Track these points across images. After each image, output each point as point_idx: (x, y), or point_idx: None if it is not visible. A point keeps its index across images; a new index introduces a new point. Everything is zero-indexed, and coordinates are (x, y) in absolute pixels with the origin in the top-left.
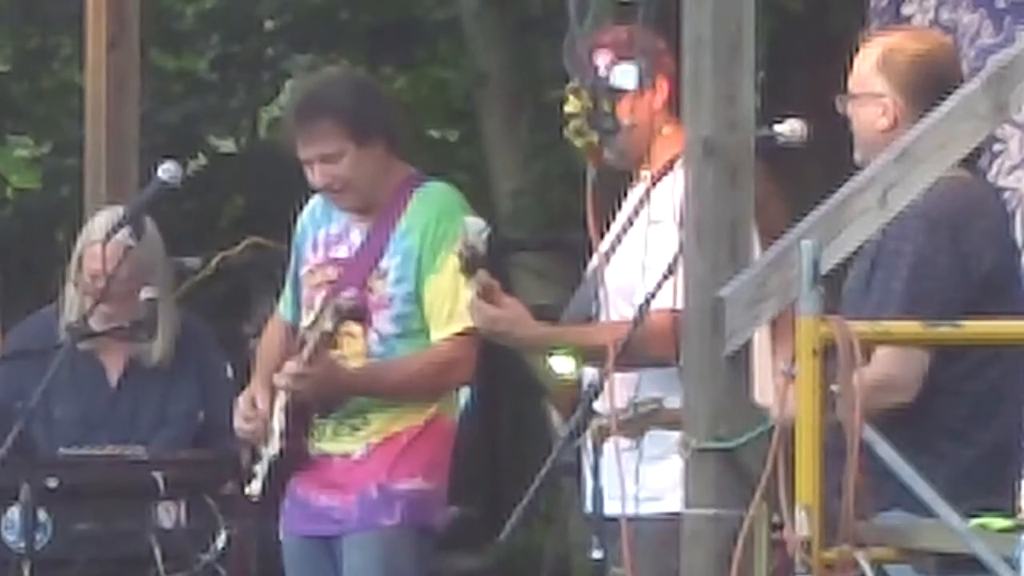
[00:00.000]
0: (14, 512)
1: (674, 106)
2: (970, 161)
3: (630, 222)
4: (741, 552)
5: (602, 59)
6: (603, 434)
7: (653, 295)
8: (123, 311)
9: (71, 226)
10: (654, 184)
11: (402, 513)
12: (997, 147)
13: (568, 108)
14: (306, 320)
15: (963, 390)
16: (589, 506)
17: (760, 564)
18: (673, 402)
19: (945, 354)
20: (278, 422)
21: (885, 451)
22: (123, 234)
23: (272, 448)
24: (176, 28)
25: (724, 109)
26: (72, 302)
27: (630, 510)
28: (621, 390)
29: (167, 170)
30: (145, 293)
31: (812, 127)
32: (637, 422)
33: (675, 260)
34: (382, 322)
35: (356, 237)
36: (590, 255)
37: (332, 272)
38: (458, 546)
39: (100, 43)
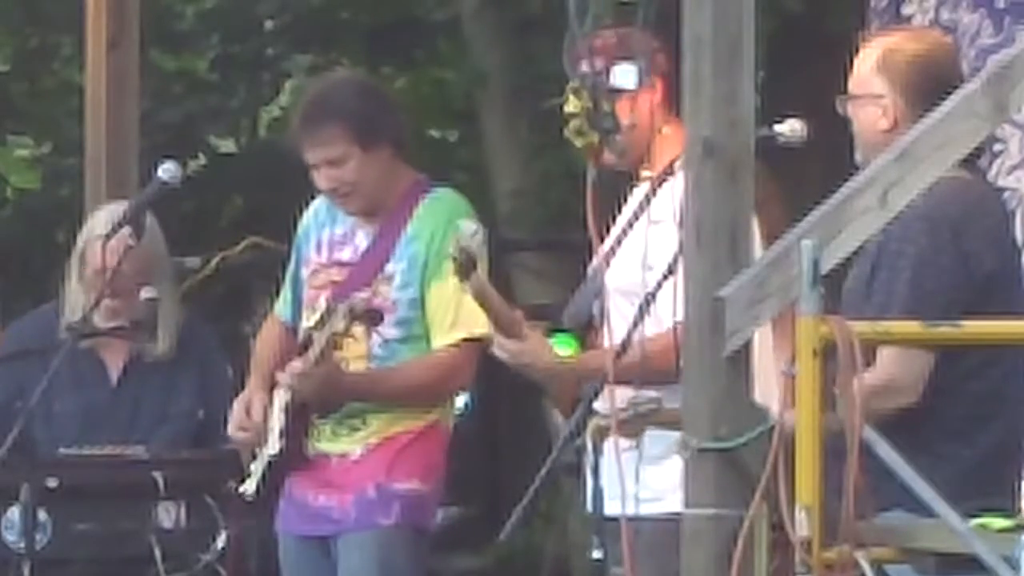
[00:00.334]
0: (14, 512)
1: (671, 105)
2: (970, 161)
3: (631, 223)
4: (741, 552)
5: (596, 65)
6: (602, 434)
7: (653, 295)
8: (126, 307)
9: (71, 226)
10: (660, 185)
11: (399, 513)
12: (997, 147)
13: (568, 108)
14: (310, 320)
15: (964, 391)
16: (589, 506)
17: (760, 564)
18: (672, 402)
19: (946, 355)
20: (278, 421)
21: (885, 451)
22: (123, 233)
23: (271, 447)
24: (176, 28)
25: (724, 109)
26: (74, 299)
27: (630, 510)
28: (621, 390)
29: (167, 170)
30: (145, 293)
31: (812, 127)
32: (636, 422)
33: (675, 260)
34: (385, 326)
35: (361, 240)
36: (590, 255)
37: (336, 274)
38: (458, 546)
39: (100, 43)
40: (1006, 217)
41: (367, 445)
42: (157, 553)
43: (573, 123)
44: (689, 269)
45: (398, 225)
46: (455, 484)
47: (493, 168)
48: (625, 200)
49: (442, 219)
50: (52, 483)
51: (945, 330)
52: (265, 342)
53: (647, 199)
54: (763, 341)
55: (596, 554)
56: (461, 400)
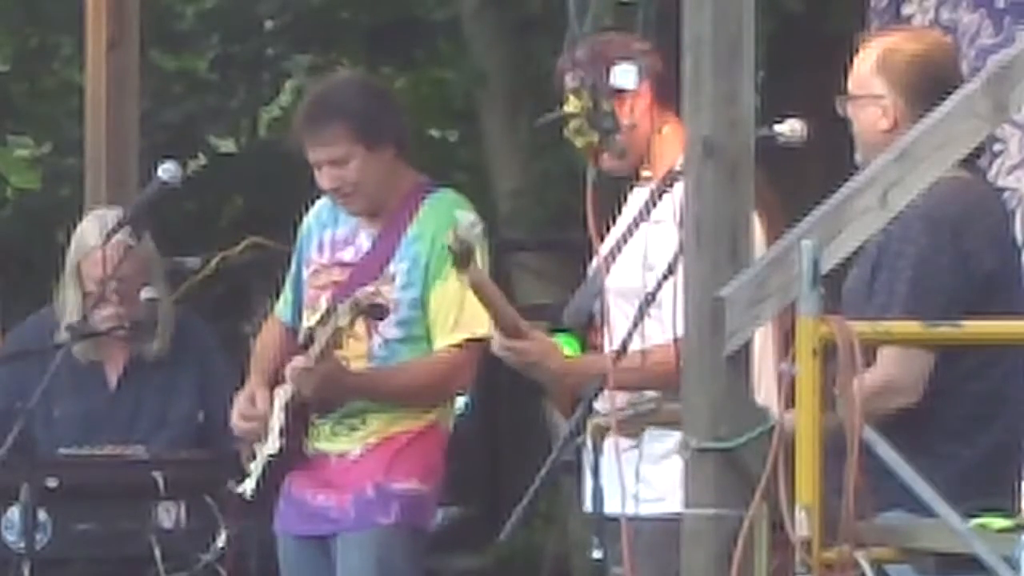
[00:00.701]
0: (14, 512)
1: (665, 106)
2: (970, 161)
3: (636, 224)
4: (741, 552)
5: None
6: (602, 433)
7: (653, 295)
8: (130, 310)
9: (71, 226)
10: (670, 186)
11: (398, 513)
12: (997, 147)
13: (568, 108)
14: (310, 320)
15: (964, 391)
16: (589, 506)
17: (760, 564)
18: (672, 402)
19: (946, 355)
20: (278, 420)
21: (885, 451)
22: (123, 234)
23: (270, 446)
24: (176, 28)
25: (724, 109)
26: (72, 305)
27: (630, 510)
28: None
29: (167, 170)
30: (145, 293)
31: (812, 127)
32: (636, 421)
33: (675, 260)
34: (386, 326)
35: (364, 241)
36: (590, 255)
37: (338, 274)
38: (458, 546)
39: (100, 43)
40: (1006, 217)
41: (366, 445)
42: (157, 553)
43: (573, 123)
44: (689, 269)
45: (400, 226)
46: (455, 484)
47: (493, 168)
48: (625, 200)
49: (444, 220)
50: (52, 483)
51: (945, 330)
52: (265, 342)
53: (652, 202)
54: (764, 341)
55: (596, 554)
56: (461, 401)
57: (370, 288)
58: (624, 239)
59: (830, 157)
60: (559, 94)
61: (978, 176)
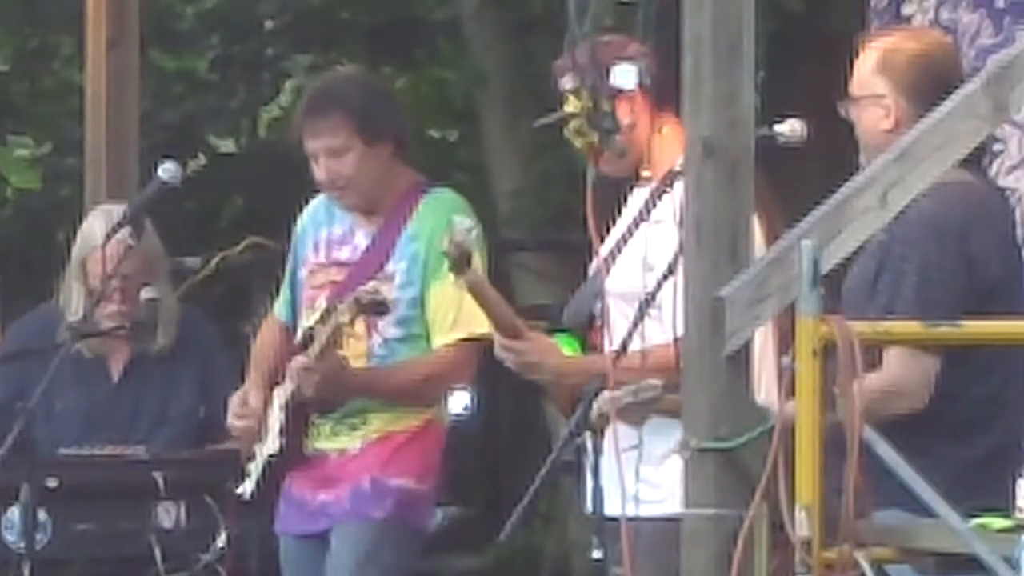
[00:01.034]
0: (14, 512)
1: (659, 107)
2: (975, 164)
3: (635, 224)
4: (741, 552)
5: (568, 83)
6: (603, 421)
7: (653, 295)
8: (132, 308)
9: (71, 226)
10: (669, 186)
11: (392, 508)
12: (997, 147)
13: (568, 108)
14: (309, 320)
15: (966, 395)
16: (589, 506)
17: (760, 564)
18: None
19: (949, 359)
20: (277, 420)
21: (885, 451)
22: (123, 233)
23: (270, 446)
24: (176, 28)
25: (724, 109)
26: (76, 300)
27: (631, 511)
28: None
29: (167, 170)
30: (146, 293)
31: (812, 127)
32: (637, 409)
33: (675, 260)
34: (385, 325)
35: (361, 240)
36: (590, 255)
37: (336, 273)
38: (458, 546)
39: (100, 43)
40: (1011, 222)
41: (367, 440)
42: (157, 553)
43: (573, 123)
44: (689, 269)
45: (398, 224)
46: (455, 484)
47: (493, 168)
48: (625, 201)
49: (442, 218)
50: (52, 483)
51: (945, 330)
52: (264, 342)
53: (652, 203)
54: (764, 341)
55: (596, 554)
56: (462, 402)
57: (371, 285)
58: (624, 240)
59: (830, 157)
60: (556, 95)
61: (983, 180)
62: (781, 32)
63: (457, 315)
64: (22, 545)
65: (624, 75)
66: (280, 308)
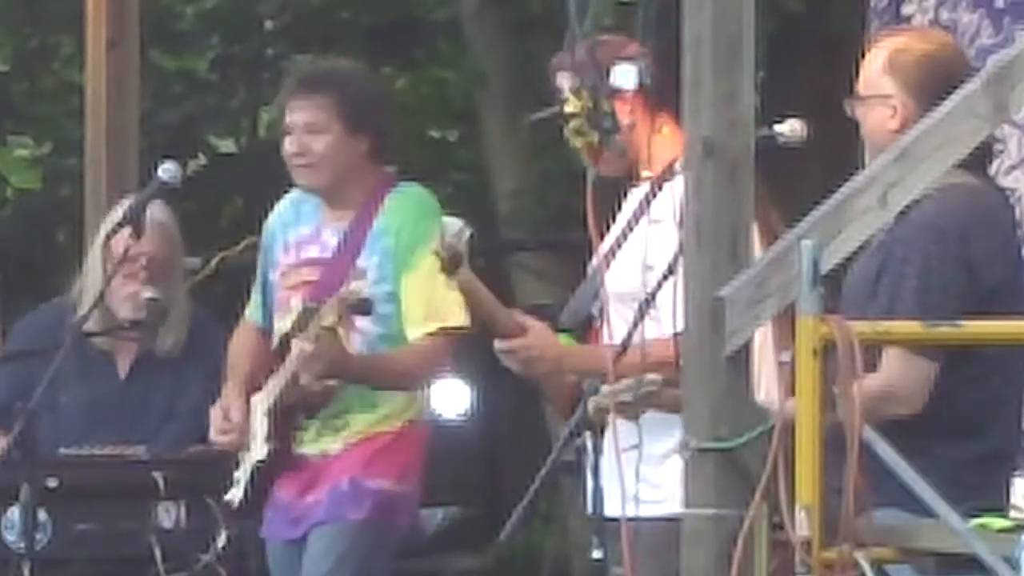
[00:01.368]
0: (14, 512)
1: (659, 107)
2: (980, 167)
3: (631, 225)
4: (741, 552)
5: (565, 81)
6: (600, 415)
7: (653, 295)
8: (164, 291)
9: (71, 226)
10: (660, 187)
11: (370, 510)
12: (996, 147)
13: (568, 108)
14: (284, 321)
15: (964, 397)
16: (590, 507)
17: (760, 564)
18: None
19: (948, 362)
20: (261, 427)
21: (885, 451)
22: (124, 233)
23: (256, 453)
24: (176, 28)
25: (724, 109)
26: (95, 278)
27: (631, 511)
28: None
29: (167, 170)
30: (146, 293)
31: (812, 127)
32: (637, 403)
33: (675, 260)
34: (364, 321)
35: (329, 237)
36: (590, 255)
37: (308, 273)
38: (458, 546)
39: (100, 43)
40: (1014, 226)
41: (347, 443)
42: (157, 553)
43: (573, 123)
44: (689, 269)
45: (367, 220)
46: (455, 484)
47: (493, 168)
48: (624, 200)
49: (410, 211)
50: (52, 483)
51: (945, 330)
52: (238, 348)
53: (647, 201)
54: (763, 338)
55: (596, 554)
56: (463, 404)
57: (354, 285)
58: (620, 240)
59: (830, 157)
60: (551, 92)
61: (988, 183)
62: (781, 32)
63: (428, 307)
64: (22, 545)
65: (624, 75)
66: (253, 312)
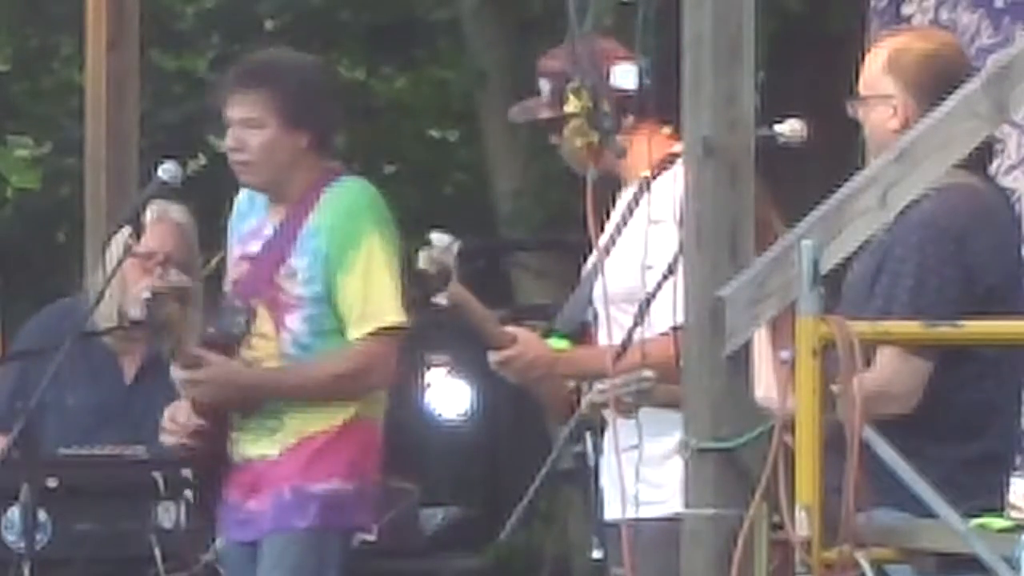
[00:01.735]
0: (14, 512)
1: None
2: (981, 168)
3: (619, 227)
4: (741, 552)
5: (545, 86)
6: (595, 411)
7: (653, 295)
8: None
9: (71, 226)
10: (646, 187)
11: (316, 515)
12: (996, 147)
13: (568, 108)
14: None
15: (960, 400)
16: (592, 509)
17: (760, 564)
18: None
19: (944, 364)
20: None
21: (884, 451)
22: (124, 233)
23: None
24: (176, 28)
25: (724, 109)
26: (111, 286)
27: (631, 512)
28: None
29: (167, 170)
30: (144, 293)
31: (812, 127)
32: (636, 398)
33: (675, 260)
34: (294, 322)
35: (269, 232)
36: (590, 255)
37: (238, 268)
38: (458, 546)
39: (100, 43)
40: (1016, 227)
41: (284, 446)
42: (157, 553)
43: (573, 123)
44: (689, 269)
45: (300, 218)
46: (455, 484)
47: (493, 168)
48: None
49: (341, 210)
50: (52, 483)
51: (944, 330)
52: None
53: (635, 201)
54: (761, 341)
55: (596, 554)
56: (463, 404)
57: (158, 273)
58: (609, 244)
59: (830, 157)
60: (536, 93)
61: (989, 184)
62: (781, 32)
63: (364, 307)
64: (22, 545)
65: (624, 75)
66: None
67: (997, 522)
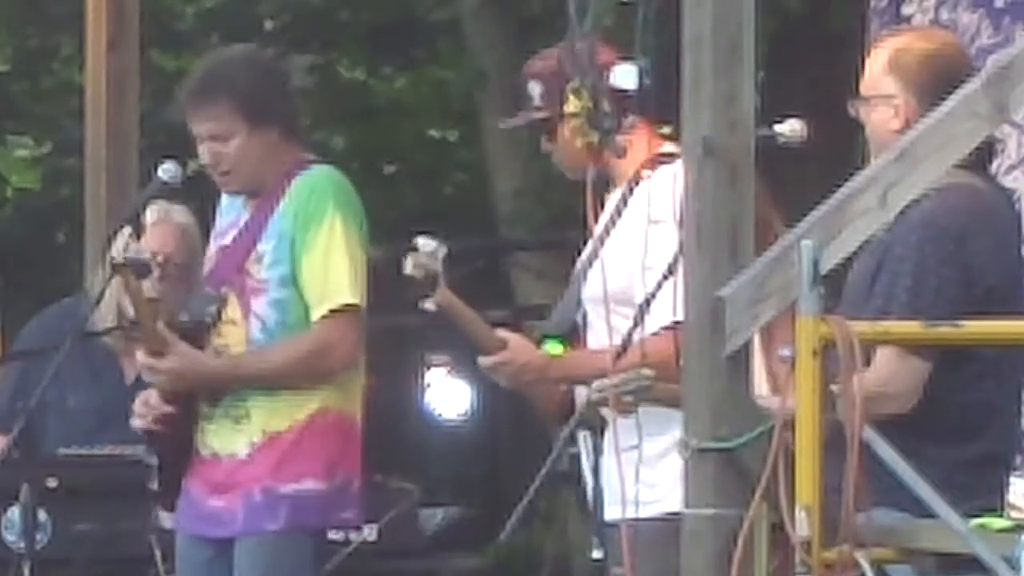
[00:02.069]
0: (14, 512)
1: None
2: (982, 167)
3: (608, 229)
4: (741, 552)
5: (536, 89)
6: (592, 410)
7: (653, 295)
8: (167, 289)
9: (71, 226)
10: (632, 189)
11: (287, 517)
12: (997, 146)
13: (568, 108)
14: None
15: (959, 401)
16: (591, 509)
17: (760, 564)
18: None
19: (943, 364)
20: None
21: (884, 451)
22: (124, 233)
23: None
24: (176, 28)
25: (724, 109)
26: (110, 286)
27: (629, 512)
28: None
29: (167, 170)
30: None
31: (812, 127)
32: (636, 395)
33: (675, 260)
34: (261, 307)
35: (243, 223)
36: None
37: (214, 259)
38: (458, 546)
39: (100, 43)
40: (1017, 228)
41: (252, 444)
42: (157, 553)
43: (573, 123)
44: (689, 269)
45: (271, 205)
46: (455, 484)
47: (493, 168)
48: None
49: (306, 191)
50: (52, 483)
51: (945, 330)
52: None
53: (623, 202)
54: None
55: (596, 554)
56: (463, 404)
57: (120, 243)
58: (597, 245)
59: (830, 157)
60: (523, 96)
61: (991, 184)
62: (781, 32)
63: (324, 289)
64: (22, 545)
65: (624, 75)
66: None
67: (997, 522)
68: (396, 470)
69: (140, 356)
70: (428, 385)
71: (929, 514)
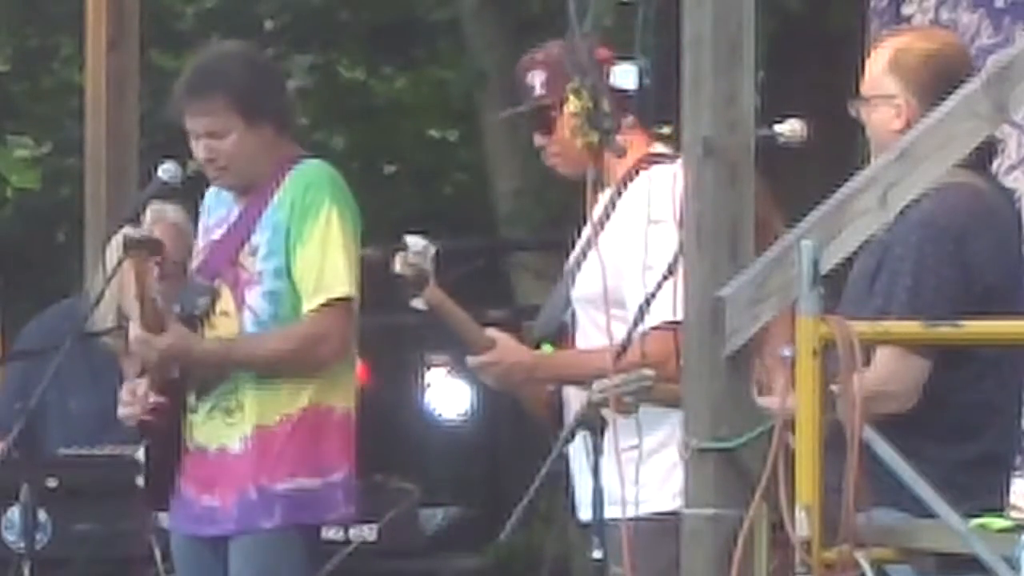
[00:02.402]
0: (14, 512)
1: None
2: (983, 167)
3: (596, 230)
4: (741, 552)
5: (537, 78)
6: (592, 411)
7: (653, 295)
8: (167, 288)
9: (71, 226)
10: (621, 191)
11: (282, 515)
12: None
13: (568, 108)
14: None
15: (958, 401)
16: (580, 515)
17: (760, 564)
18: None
19: (943, 364)
20: (151, 398)
21: (884, 451)
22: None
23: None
24: (176, 28)
25: (724, 109)
26: (110, 286)
27: (630, 511)
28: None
29: (167, 170)
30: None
31: (812, 127)
32: (637, 395)
33: (675, 260)
34: (254, 299)
35: (234, 218)
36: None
37: (205, 252)
38: (458, 546)
39: (100, 43)
40: (1017, 228)
41: (244, 439)
42: (157, 553)
43: (573, 123)
44: (689, 269)
45: (265, 198)
46: (455, 484)
47: (493, 168)
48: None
49: (301, 184)
50: (52, 483)
51: (945, 330)
52: None
53: (610, 208)
54: None
55: (596, 554)
56: (463, 404)
57: (130, 225)
58: (585, 247)
59: (830, 157)
60: (520, 91)
61: (991, 183)
62: (781, 32)
63: (318, 280)
64: (22, 545)
65: (624, 75)
66: None
67: (997, 522)
68: (396, 470)
69: (134, 329)
70: (428, 385)
71: (929, 514)
